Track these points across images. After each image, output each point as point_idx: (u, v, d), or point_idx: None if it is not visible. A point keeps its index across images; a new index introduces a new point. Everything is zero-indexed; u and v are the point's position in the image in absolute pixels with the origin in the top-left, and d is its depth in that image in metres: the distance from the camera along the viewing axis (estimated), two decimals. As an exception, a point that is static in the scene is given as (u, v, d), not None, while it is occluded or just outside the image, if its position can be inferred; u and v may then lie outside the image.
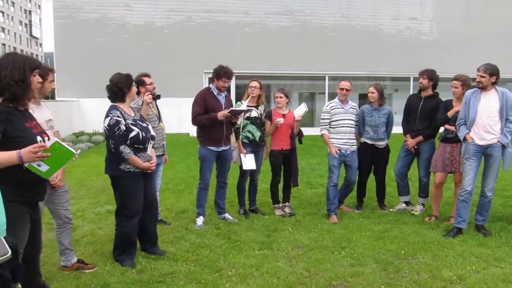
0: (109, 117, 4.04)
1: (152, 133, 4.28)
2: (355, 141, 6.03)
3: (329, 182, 6.02)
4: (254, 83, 5.85)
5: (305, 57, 17.51)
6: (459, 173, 5.50)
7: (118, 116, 4.03)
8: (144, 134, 4.11)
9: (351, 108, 6.03)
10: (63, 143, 2.91)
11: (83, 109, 16.72)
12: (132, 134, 4.05)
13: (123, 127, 4.02)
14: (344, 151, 5.93)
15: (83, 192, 7.21)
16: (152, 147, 4.37)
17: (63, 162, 2.94)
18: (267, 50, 17.49)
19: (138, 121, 4.18)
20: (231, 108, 5.34)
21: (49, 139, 3.17)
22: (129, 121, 4.08)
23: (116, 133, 4.01)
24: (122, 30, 17.08)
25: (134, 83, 4.22)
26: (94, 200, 6.64)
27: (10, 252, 2.45)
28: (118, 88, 4.11)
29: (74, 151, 2.93)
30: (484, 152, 5.06)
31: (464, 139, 5.11)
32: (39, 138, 2.95)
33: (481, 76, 4.97)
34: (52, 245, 4.44)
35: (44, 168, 2.85)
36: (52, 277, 3.92)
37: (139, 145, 4.10)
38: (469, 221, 5.23)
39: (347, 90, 5.90)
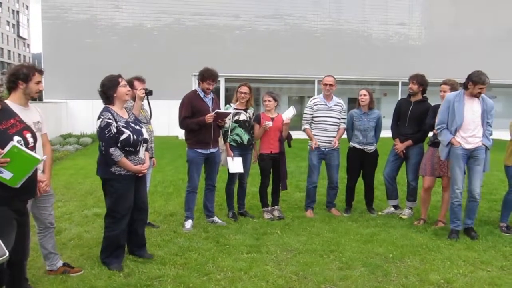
0: (100, 119, 4.01)
1: (145, 136, 4.22)
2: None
3: (309, 182, 6.14)
4: (245, 89, 5.82)
5: (294, 61, 17.58)
6: (447, 177, 5.55)
7: (109, 118, 3.99)
8: (135, 137, 4.06)
9: (335, 105, 6.08)
10: (24, 148, 2.83)
11: (71, 111, 16.60)
12: (123, 137, 4.00)
13: (114, 129, 3.98)
14: (323, 149, 5.98)
15: (70, 194, 7.13)
16: (146, 150, 4.32)
17: (28, 168, 2.86)
18: (257, 54, 17.53)
19: (130, 124, 4.12)
20: (217, 110, 5.32)
21: (33, 136, 3.12)
22: (121, 123, 4.03)
23: (107, 135, 3.97)
24: (111, 32, 17.00)
25: (122, 84, 4.12)
26: (81, 203, 6.57)
27: (7, 254, 2.40)
28: (103, 92, 4.09)
29: (38, 156, 2.87)
30: (470, 155, 5.14)
31: (449, 143, 5.16)
32: (16, 138, 2.89)
33: (480, 88, 5.06)
34: (38, 248, 4.36)
35: (6, 175, 2.76)
36: (38, 281, 3.87)
37: (130, 147, 4.06)
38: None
39: (330, 85, 5.98)
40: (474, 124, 5.09)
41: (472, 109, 5.10)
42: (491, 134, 5.18)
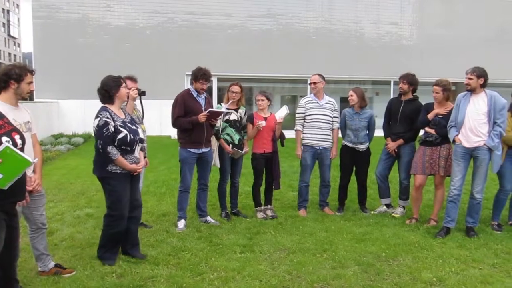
0: (99, 118, 4.08)
1: (141, 135, 4.31)
2: (330, 137, 6.10)
3: (301, 182, 6.18)
4: (236, 88, 5.80)
5: (287, 60, 17.58)
6: (439, 175, 5.58)
7: (107, 117, 4.07)
8: (132, 136, 4.15)
9: (326, 103, 6.12)
10: (16, 150, 2.81)
11: (62, 111, 16.47)
12: (120, 136, 4.08)
13: (111, 128, 4.05)
14: (317, 147, 6.00)
15: (62, 195, 7.08)
16: (141, 150, 4.39)
17: (18, 170, 2.84)
18: (249, 53, 17.51)
19: (127, 123, 4.21)
20: (210, 109, 5.32)
21: (21, 137, 3.09)
22: (118, 123, 4.11)
23: (105, 134, 4.04)
24: (103, 31, 16.88)
25: (124, 85, 4.24)
26: (73, 203, 6.53)
27: None
28: (105, 91, 4.16)
29: (30, 159, 2.85)
30: (472, 155, 5.14)
31: (453, 140, 5.20)
32: (5, 139, 2.87)
33: (469, 78, 5.07)
34: (29, 249, 4.33)
35: None
36: (30, 282, 3.84)
37: (126, 147, 4.13)
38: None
39: (314, 83, 6.05)
40: (476, 123, 5.04)
41: (476, 107, 5.07)
42: (500, 135, 5.03)
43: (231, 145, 5.75)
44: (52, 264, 4.01)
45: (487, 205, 6.29)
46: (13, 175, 2.82)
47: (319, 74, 6.13)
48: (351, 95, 6.12)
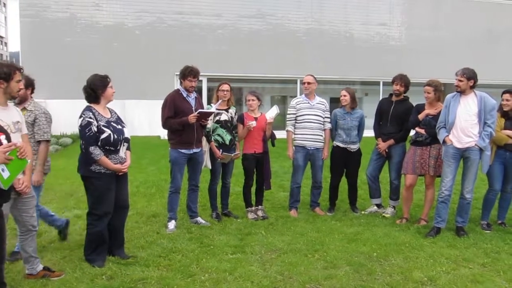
0: (82, 118, 4.08)
1: (127, 135, 4.29)
2: (321, 137, 6.09)
3: (292, 183, 6.17)
4: (226, 87, 5.79)
5: (276, 61, 17.60)
6: (429, 175, 5.61)
7: (90, 118, 4.05)
8: (116, 136, 4.12)
9: (317, 103, 6.12)
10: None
11: (50, 111, 16.11)
12: (103, 136, 4.06)
13: (94, 128, 4.04)
14: (308, 148, 6.00)
15: (50, 196, 6.99)
16: (127, 149, 4.36)
17: (19, 169, 2.85)
18: (239, 53, 17.50)
19: (112, 123, 4.18)
20: (200, 110, 5.29)
21: (7, 137, 3.04)
22: (102, 123, 4.09)
23: (87, 134, 4.03)
24: (91, 30, 16.74)
25: (110, 85, 4.22)
26: (62, 205, 6.45)
27: None
28: (92, 90, 4.15)
29: (28, 159, 2.86)
30: (463, 155, 5.17)
31: (444, 141, 5.21)
32: None
33: (459, 80, 5.10)
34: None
35: (5, 174, 2.73)
36: (18, 285, 3.77)
37: (110, 146, 4.11)
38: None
39: (308, 83, 6.05)
40: (467, 123, 5.06)
41: (466, 108, 5.10)
42: (490, 135, 5.07)
43: (221, 150, 5.71)
44: (40, 267, 3.94)
45: (476, 205, 6.33)
46: (15, 174, 2.84)
47: (312, 75, 6.13)
48: (344, 95, 6.12)
